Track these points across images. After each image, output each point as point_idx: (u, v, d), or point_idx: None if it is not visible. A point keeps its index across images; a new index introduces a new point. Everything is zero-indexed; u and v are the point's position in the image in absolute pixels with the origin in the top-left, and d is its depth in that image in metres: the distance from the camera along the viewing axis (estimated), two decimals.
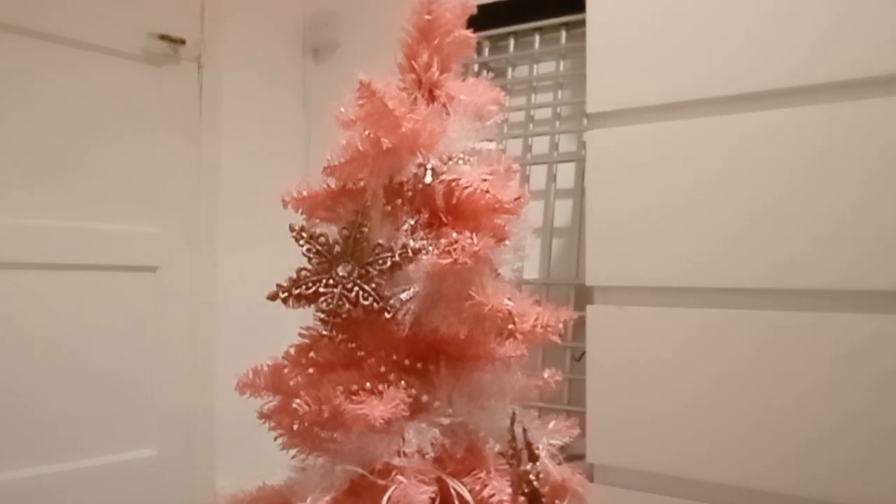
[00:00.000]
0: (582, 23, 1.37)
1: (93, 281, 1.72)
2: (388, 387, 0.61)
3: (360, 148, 0.62)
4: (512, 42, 1.82)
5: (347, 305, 0.61)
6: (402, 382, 0.62)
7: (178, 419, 1.86)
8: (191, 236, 1.91)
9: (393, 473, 0.61)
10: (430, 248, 0.60)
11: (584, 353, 1.32)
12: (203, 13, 1.93)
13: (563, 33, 1.74)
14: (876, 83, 1.07)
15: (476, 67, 1.84)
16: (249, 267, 1.93)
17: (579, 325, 1.31)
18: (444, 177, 0.61)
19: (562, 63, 1.76)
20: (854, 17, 1.08)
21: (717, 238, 1.18)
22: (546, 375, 0.81)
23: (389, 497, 0.59)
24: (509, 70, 1.84)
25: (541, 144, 1.78)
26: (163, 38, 1.84)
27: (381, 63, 0.76)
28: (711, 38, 1.20)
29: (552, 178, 1.74)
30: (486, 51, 1.85)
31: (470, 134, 0.66)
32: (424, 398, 0.64)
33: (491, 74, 1.87)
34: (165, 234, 1.86)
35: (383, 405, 0.59)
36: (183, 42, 1.88)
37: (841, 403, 1.07)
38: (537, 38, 1.78)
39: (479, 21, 1.84)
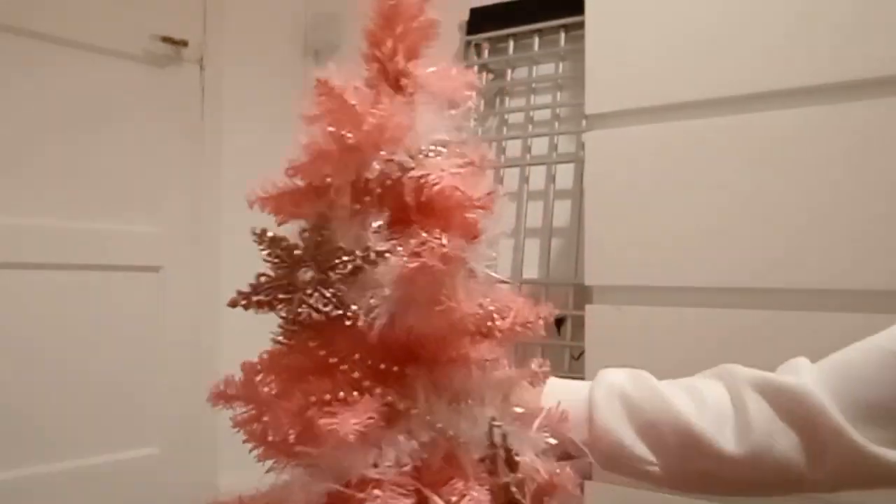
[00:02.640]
0: (581, 25, 1.37)
1: (96, 281, 1.73)
2: (362, 395, 0.58)
3: (323, 146, 0.59)
4: (511, 44, 1.83)
5: (307, 312, 0.58)
6: (378, 390, 0.59)
7: (181, 418, 1.86)
8: (193, 236, 1.92)
9: (370, 486, 0.58)
10: (399, 249, 0.56)
11: (582, 353, 1.33)
12: (205, 15, 1.94)
13: (563, 35, 1.75)
14: (875, 84, 1.07)
15: (476, 69, 1.85)
16: (252, 267, 1.94)
17: (578, 325, 1.32)
18: (412, 173, 0.57)
19: (561, 65, 1.77)
20: (854, 18, 1.09)
21: (715, 238, 1.18)
22: (534, 366, 0.77)
23: None
24: (509, 72, 1.85)
25: (540, 145, 1.79)
26: (165, 39, 1.85)
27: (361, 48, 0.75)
28: (710, 39, 1.20)
29: (551, 178, 1.74)
30: (486, 52, 1.86)
31: (441, 124, 0.62)
32: (401, 406, 0.61)
33: (491, 76, 1.89)
34: (168, 235, 1.87)
35: (355, 418, 0.55)
36: (185, 44, 1.89)
37: None
38: (536, 39, 1.79)
39: (478, 23, 1.86)
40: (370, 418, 0.56)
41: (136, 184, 1.81)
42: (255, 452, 0.67)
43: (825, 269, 1.09)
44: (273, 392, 0.63)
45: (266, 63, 2.08)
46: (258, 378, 0.66)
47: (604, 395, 0.64)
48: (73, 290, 1.70)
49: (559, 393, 0.65)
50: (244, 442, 0.68)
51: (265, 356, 0.68)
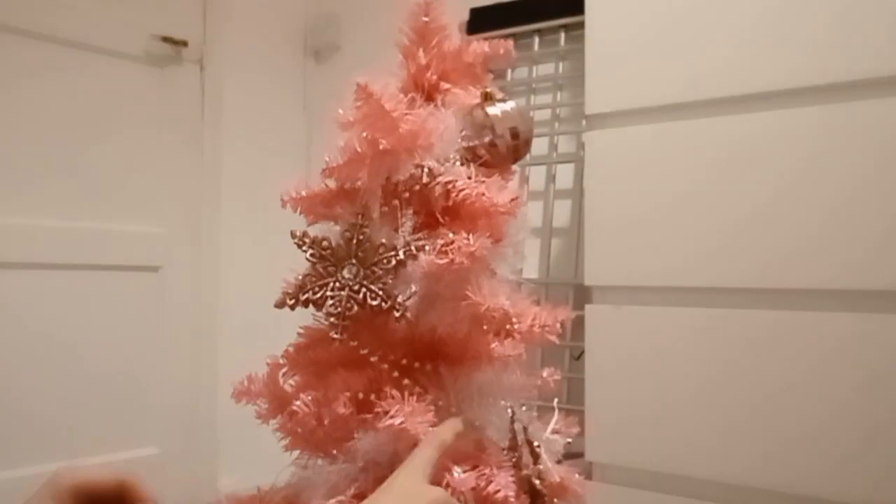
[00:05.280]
0: (581, 25, 1.37)
1: (96, 280, 1.73)
2: (392, 389, 0.61)
3: (358, 149, 0.62)
4: (511, 44, 1.83)
5: (355, 307, 0.61)
6: (405, 381, 0.62)
7: (181, 417, 1.87)
8: (193, 236, 1.92)
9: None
10: (428, 249, 0.61)
11: (582, 352, 1.33)
12: (205, 15, 1.94)
13: (563, 35, 1.75)
14: (872, 85, 1.08)
15: None
16: (251, 266, 1.95)
17: (578, 325, 1.32)
18: (440, 178, 0.61)
19: (561, 65, 1.77)
20: (851, 19, 1.09)
21: (714, 238, 1.18)
22: (545, 374, 0.81)
23: None
24: (509, 72, 1.85)
25: (540, 145, 1.78)
26: (165, 39, 1.85)
27: (382, 65, 0.77)
28: (709, 39, 1.21)
29: (551, 178, 1.75)
30: None
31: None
32: (428, 399, 0.64)
33: (490, 76, 1.89)
34: (168, 234, 1.87)
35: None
36: (185, 44, 1.89)
37: (837, 401, 1.07)
38: (536, 39, 1.79)
39: (478, 23, 1.86)
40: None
41: (136, 184, 1.82)
42: (283, 443, 0.69)
43: (825, 269, 1.10)
44: (299, 384, 0.66)
45: (266, 63, 2.08)
46: (283, 371, 0.69)
47: None
48: (74, 290, 1.70)
49: None
50: (275, 430, 0.70)
51: (290, 350, 0.70)
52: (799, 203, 1.12)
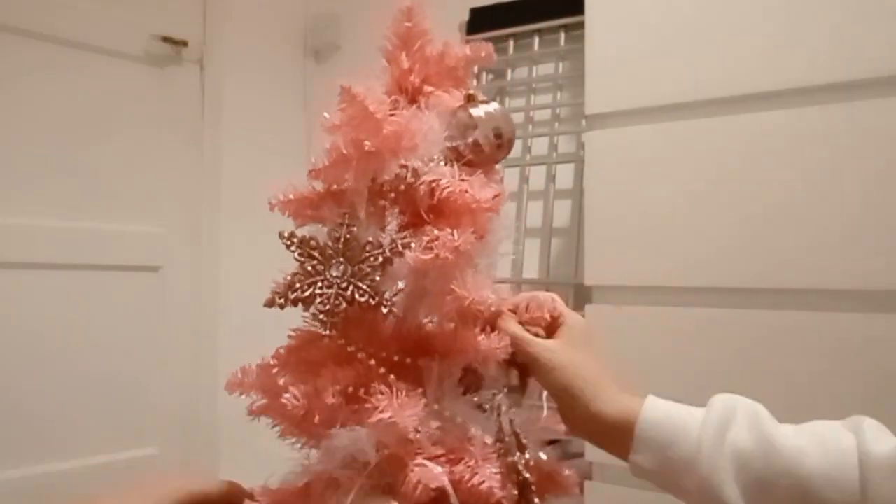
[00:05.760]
0: (581, 25, 1.37)
1: (95, 280, 1.73)
2: (380, 385, 0.62)
3: (344, 151, 0.63)
4: (511, 44, 1.83)
5: (344, 304, 0.62)
6: (391, 377, 0.63)
7: (180, 417, 1.87)
8: (193, 236, 1.92)
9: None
10: (414, 246, 0.62)
11: None
12: (205, 15, 1.95)
13: (563, 35, 1.75)
14: (876, 84, 1.08)
15: (475, 69, 1.85)
16: (251, 266, 1.94)
17: None
18: (425, 177, 0.62)
19: (561, 65, 1.77)
20: (855, 17, 1.09)
21: (715, 238, 1.18)
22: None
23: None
24: (509, 72, 1.85)
25: (540, 145, 1.79)
26: (165, 39, 1.85)
27: (381, 65, 0.77)
28: (710, 39, 1.21)
29: (551, 178, 1.74)
30: None
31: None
32: (417, 393, 0.65)
33: (490, 76, 1.90)
34: (168, 235, 1.87)
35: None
36: (185, 44, 1.89)
37: (838, 402, 1.07)
38: (536, 39, 1.79)
39: (478, 23, 1.86)
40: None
41: (135, 183, 1.82)
42: (278, 434, 0.70)
43: (826, 269, 1.09)
44: (289, 381, 0.66)
45: (266, 63, 2.08)
46: (274, 371, 0.70)
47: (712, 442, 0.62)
48: (73, 290, 1.70)
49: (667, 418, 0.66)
50: (269, 419, 0.71)
51: (282, 351, 0.71)
52: (800, 202, 1.12)
